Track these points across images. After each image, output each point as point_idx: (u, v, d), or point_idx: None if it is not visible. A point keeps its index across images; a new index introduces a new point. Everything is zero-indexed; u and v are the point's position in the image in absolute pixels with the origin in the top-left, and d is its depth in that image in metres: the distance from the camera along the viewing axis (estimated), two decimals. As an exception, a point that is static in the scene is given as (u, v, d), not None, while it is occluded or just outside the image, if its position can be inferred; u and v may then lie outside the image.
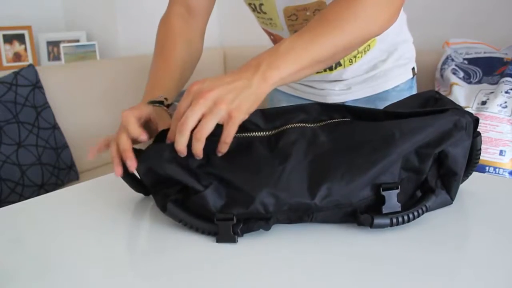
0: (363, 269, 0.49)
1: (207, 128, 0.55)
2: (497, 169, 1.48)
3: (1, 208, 0.68)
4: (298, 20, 0.91)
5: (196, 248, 0.54)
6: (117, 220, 0.63)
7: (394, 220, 0.55)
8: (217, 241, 0.55)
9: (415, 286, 0.45)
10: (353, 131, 0.61)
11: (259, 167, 0.57)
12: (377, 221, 0.55)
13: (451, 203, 0.63)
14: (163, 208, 0.59)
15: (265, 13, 0.92)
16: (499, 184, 0.74)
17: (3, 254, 0.54)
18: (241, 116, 0.57)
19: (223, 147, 0.57)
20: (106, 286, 0.47)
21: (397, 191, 0.56)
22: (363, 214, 0.56)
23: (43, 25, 2.38)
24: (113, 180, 0.76)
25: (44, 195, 0.73)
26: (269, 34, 1.01)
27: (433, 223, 0.59)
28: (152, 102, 0.72)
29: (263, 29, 1.01)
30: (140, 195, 0.70)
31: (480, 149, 0.63)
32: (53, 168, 1.66)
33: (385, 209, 0.56)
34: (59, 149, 1.70)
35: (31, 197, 0.71)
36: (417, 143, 0.57)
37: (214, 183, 0.57)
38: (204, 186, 0.56)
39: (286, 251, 0.53)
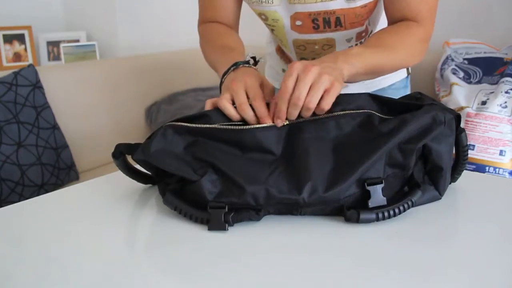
0: (350, 261, 0.49)
1: (317, 97, 0.61)
2: (497, 169, 1.48)
3: (1, 208, 0.68)
4: (306, 51, 0.95)
5: (189, 239, 0.54)
6: (116, 220, 0.63)
7: (380, 215, 0.57)
8: (209, 229, 0.58)
9: (400, 278, 0.46)
10: (338, 131, 0.62)
11: (250, 164, 0.60)
12: (363, 216, 0.57)
13: (440, 198, 0.64)
14: (163, 196, 0.63)
15: (276, 35, 0.96)
16: (498, 184, 0.74)
17: (3, 254, 0.54)
18: (340, 86, 0.63)
19: (321, 112, 0.62)
20: (106, 286, 0.47)
21: (382, 185, 0.58)
22: (350, 209, 0.58)
23: (43, 25, 2.38)
24: (113, 180, 0.76)
25: (44, 195, 0.73)
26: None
27: (423, 219, 0.60)
28: (238, 64, 0.75)
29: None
30: (139, 195, 0.70)
31: (467, 145, 0.65)
32: (53, 168, 1.66)
33: (371, 204, 0.58)
34: (59, 149, 1.70)
35: (31, 197, 0.71)
36: (398, 140, 0.59)
37: (209, 172, 0.59)
38: (200, 175, 0.59)
39: (275, 241, 0.55)
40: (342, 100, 0.64)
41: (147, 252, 0.54)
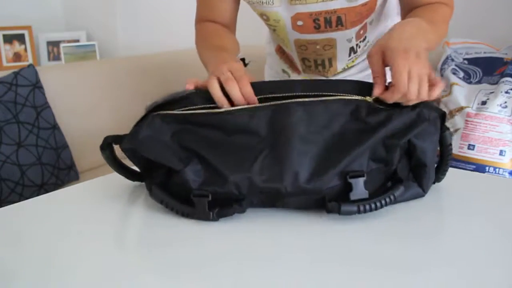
0: (336, 260, 0.49)
1: (427, 89, 0.62)
2: (497, 169, 1.48)
3: (1, 208, 0.68)
4: (307, 51, 0.95)
5: (187, 238, 0.55)
6: (116, 220, 0.63)
7: (361, 208, 0.57)
8: (193, 218, 0.58)
9: (387, 276, 0.46)
10: (326, 117, 0.61)
11: (235, 149, 0.60)
12: (344, 208, 0.57)
13: (424, 195, 0.65)
14: (150, 190, 0.63)
15: (278, 35, 0.96)
16: (498, 184, 0.74)
17: (3, 254, 0.54)
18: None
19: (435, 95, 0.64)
20: (106, 285, 0.47)
21: (364, 178, 0.58)
22: (331, 201, 0.58)
23: (43, 25, 2.38)
24: (113, 180, 0.76)
25: (44, 195, 0.73)
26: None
27: (409, 216, 0.60)
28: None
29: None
30: (138, 195, 0.71)
31: (451, 144, 0.65)
32: (53, 168, 1.66)
33: (352, 196, 0.58)
34: (59, 149, 1.70)
35: (31, 197, 0.71)
36: (383, 135, 0.59)
37: (193, 162, 0.60)
38: (184, 165, 0.59)
39: (259, 237, 0.56)
40: (331, 85, 0.63)
41: (147, 252, 0.54)
